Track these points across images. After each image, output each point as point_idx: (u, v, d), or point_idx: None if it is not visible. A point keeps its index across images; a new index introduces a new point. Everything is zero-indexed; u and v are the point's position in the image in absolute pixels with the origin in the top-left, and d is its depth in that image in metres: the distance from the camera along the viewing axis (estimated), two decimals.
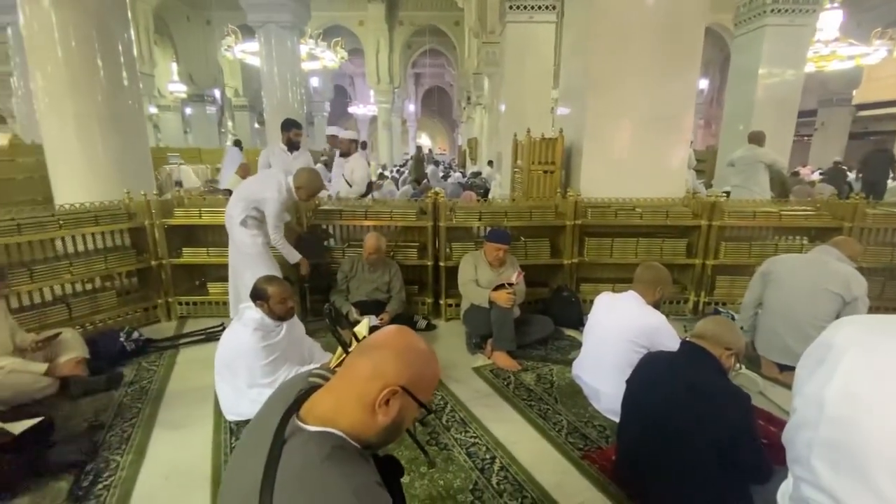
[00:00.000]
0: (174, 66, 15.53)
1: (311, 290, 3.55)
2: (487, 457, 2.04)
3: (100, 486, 1.84)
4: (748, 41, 7.16)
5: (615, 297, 2.46)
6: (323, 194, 4.42)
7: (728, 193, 5.59)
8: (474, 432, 2.21)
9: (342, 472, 0.79)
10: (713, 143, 14.40)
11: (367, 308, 3.12)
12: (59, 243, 3.17)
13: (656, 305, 2.35)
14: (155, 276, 3.48)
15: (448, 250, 3.53)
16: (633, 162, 3.89)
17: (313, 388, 0.94)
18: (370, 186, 4.53)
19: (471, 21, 11.93)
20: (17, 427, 1.82)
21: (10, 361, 2.30)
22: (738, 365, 1.73)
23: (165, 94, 15.11)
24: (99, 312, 3.21)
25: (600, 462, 2.00)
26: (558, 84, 5.47)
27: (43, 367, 2.41)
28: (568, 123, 4.26)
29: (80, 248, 3.25)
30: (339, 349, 2.00)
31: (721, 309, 3.61)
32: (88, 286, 3.32)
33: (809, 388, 0.94)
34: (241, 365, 2.16)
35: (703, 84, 16.40)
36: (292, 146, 4.16)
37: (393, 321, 3.07)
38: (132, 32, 4.03)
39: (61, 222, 3.01)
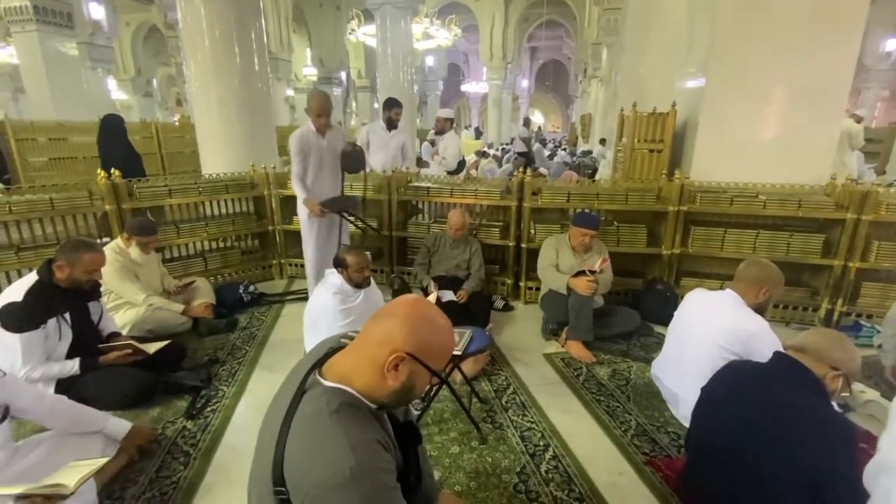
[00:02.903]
0: (308, 51, 17.12)
1: (399, 262, 3.76)
2: (541, 444, 2.00)
3: (209, 409, 2.23)
4: None
5: (710, 295, 2.19)
6: (426, 171, 4.59)
7: None
8: (532, 417, 2.18)
9: (345, 427, 0.86)
10: None
11: (445, 284, 3.20)
12: (200, 207, 3.79)
13: (760, 309, 2.03)
14: (271, 240, 3.99)
15: (532, 232, 3.43)
16: (761, 141, 3.34)
17: (341, 348, 1.03)
18: (461, 164, 4.56)
19: None
20: (151, 347, 2.29)
21: (157, 300, 2.86)
22: (846, 392, 1.42)
23: (301, 77, 16.79)
24: (227, 267, 3.80)
25: (666, 471, 1.84)
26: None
27: (181, 307, 2.96)
28: (683, 97, 3.78)
29: (216, 212, 3.84)
30: None
31: (864, 322, 2.98)
32: (221, 244, 3.93)
33: None
34: (323, 324, 2.39)
35: (891, 45, 12.97)
36: (391, 125, 4.36)
37: (471, 299, 3.12)
38: (263, 22, 4.52)
39: (201, 189, 3.59)
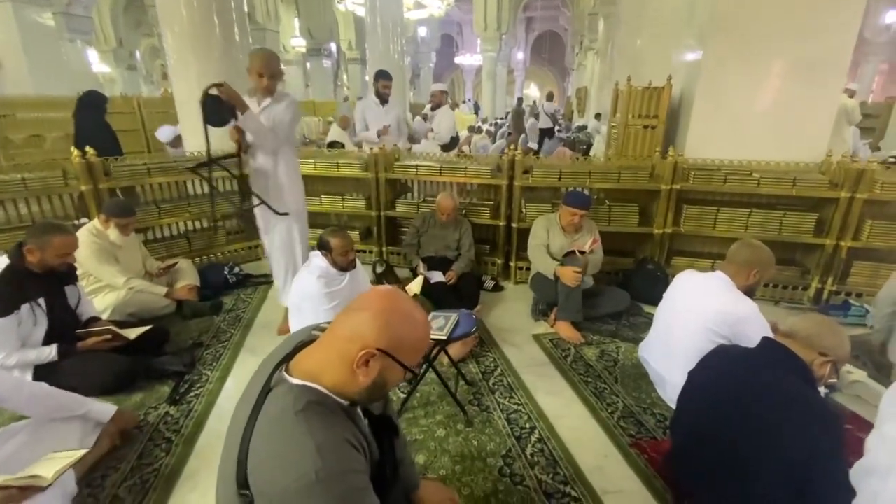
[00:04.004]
0: (296, 21, 16.49)
1: (387, 243, 3.69)
2: (527, 426, 1.99)
3: (192, 394, 2.20)
4: None
5: (699, 277, 2.15)
6: (418, 149, 4.47)
7: None
8: (519, 399, 2.17)
9: (311, 427, 0.82)
10: None
11: (434, 264, 3.16)
12: (182, 186, 3.67)
13: (749, 291, 2.00)
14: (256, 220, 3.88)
15: (523, 211, 3.36)
16: (758, 117, 3.27)
17: (311, 342, 0.98)
18: (454, 140, 4.45)
19: None
20: (132, 333, 2.24)
21: (139, 283, 2.79)
22: (833, 378, 1.41)
23: (289, 49, 16.22)
24: (212, 248, 3.72)
25: (650, 453, 1.84)
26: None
27: (164, 290, 2.89)
28: (680, 70, 3.66)
29: (199, 191, 3.73)
30: None
31: (853, 301, 2.97)
32: (205, 225, 3.83)
33: (889, 428, 0.73)
34: (308, 308, 2.34)
35: (891, 18, 12.58)
36: (382, 98, 4.22)
37: (460, 280, 3.08)
38: None
39: (179, 168, 3.47)
